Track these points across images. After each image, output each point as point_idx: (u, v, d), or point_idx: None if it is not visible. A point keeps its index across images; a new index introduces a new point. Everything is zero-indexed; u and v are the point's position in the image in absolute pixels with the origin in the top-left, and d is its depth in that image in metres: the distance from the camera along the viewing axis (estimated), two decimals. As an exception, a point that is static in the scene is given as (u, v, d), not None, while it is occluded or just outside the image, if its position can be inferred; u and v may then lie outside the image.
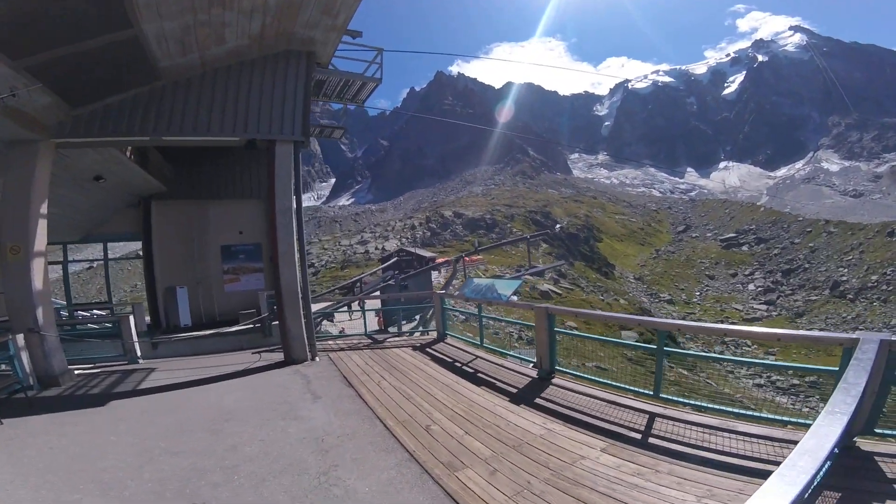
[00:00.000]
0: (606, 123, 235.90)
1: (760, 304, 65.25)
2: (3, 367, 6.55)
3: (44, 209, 7.26)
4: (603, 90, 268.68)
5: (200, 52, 7.06)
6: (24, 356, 6.58)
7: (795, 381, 34.29)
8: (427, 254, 58.18)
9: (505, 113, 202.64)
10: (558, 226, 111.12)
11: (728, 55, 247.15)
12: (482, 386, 5.60)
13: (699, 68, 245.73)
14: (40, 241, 7.12)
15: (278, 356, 8.03)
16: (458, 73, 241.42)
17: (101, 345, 9.07)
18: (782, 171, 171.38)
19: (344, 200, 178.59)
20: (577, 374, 5.47)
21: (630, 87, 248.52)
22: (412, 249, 63.63)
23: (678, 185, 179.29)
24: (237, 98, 7.86)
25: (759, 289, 70.23)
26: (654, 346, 4.47)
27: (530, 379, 5.66)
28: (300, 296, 8.00)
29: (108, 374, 7.65)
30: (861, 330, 49.07)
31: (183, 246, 13.07)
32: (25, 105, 6.29)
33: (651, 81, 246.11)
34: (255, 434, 4.53)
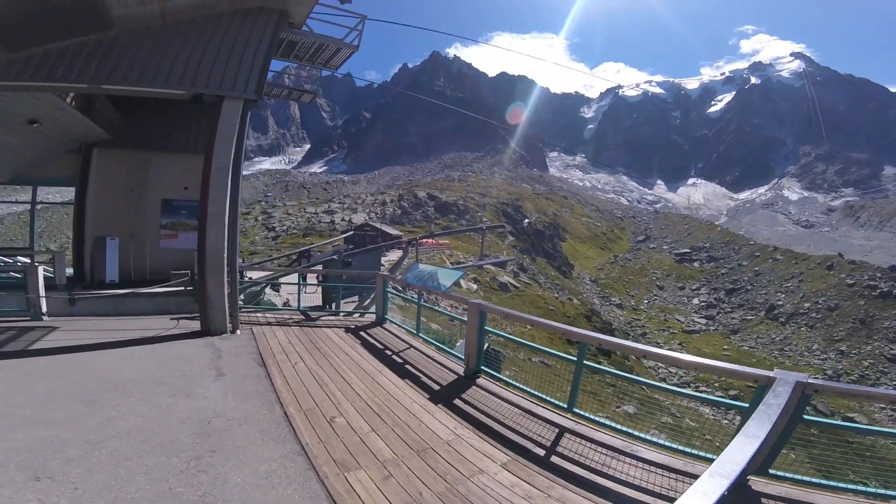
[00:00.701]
0: (590, 126, 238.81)
1: (701, 317, 69.38)
2: None
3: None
4: (594, 93, 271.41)
5: (161, 2, 6.45)
6: None
7: (720, 394, 36.62)
8: (394, 231, 57.65)
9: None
10: (527, 220, 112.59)
11: (723, 74, 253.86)
12: (406, 379, 5.40)
13: (691, 83, 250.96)
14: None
15: (198, 325, 7.49)
16: (455, 55, 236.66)
17: (4, 297, 8.24)
18: (745, 194, 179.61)
19: (316, 168, 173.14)
20: (500, 377, 5.35)
21: (620, 93, 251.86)
22: (378, 225, 62.82)
23: (646, 196, 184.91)
24: (192, 51, 7.30)
25: (703, 304, 74.53)
26: (574, 358, 4.35)
27: (456, 377, 5.51)
28: (226, 262, 7.48)
29: (3, 329, 6.90)
30: (785, 351, 53.15)
31: (121, 196, 12.20)
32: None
33: (642, 90, 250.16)
34: (135, 408, 4.16)
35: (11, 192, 12.85)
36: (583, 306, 63.61)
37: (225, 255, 7.49)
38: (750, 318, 64.30)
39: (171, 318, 8.33)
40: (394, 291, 8.97)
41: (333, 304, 10.03)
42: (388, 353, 6.60)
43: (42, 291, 7.94)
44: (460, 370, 5.68)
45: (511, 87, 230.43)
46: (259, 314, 9.22)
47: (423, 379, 5.46)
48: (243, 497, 2.91)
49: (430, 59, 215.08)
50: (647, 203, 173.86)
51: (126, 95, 9.74)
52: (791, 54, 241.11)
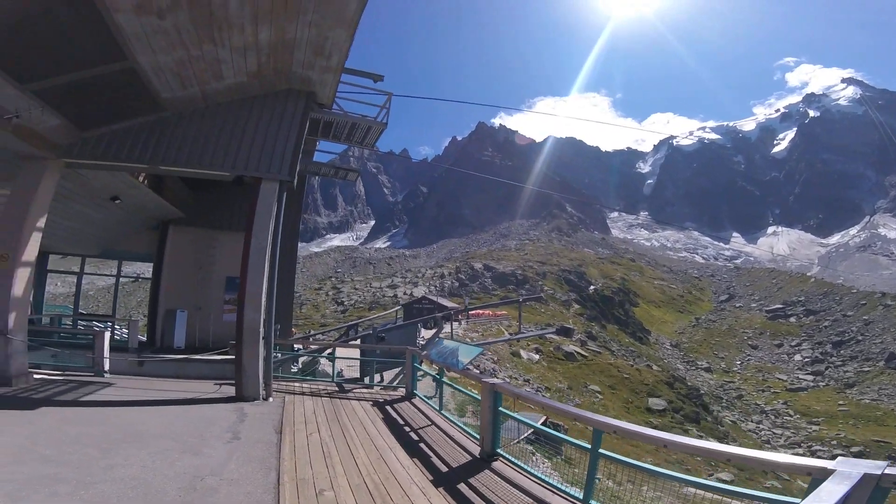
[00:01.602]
0: (649, 181, 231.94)
1: (807, 374, 61.64)
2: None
3: (41, 223, 7.59)
4: (647, 146, 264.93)
5: (200, 86, 7.46)
6: (-15, 358, 6.68)
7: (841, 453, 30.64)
8: (450, 304, 57.65)
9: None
10: (592, 287, 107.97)
11: (777, 111, 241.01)
12: (415, 458, 4.98)
13: (747, 124, 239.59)
14: (30, 252, 7.40)
15: (237, 390, 7.73)
16: (500, 124, 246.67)
17: (79, 355, 9.19)
18: (835, 238, 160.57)
19: (380, 243, 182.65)
20: (515, 461, 4.73)
21: (675, 143, 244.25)
22: (434, 298, 63.32)
23: (723, 252, 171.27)
24: (232, 133, 8.12)
25: (807, 359, 66.01)
26: (588, 446, 3.75)
27: (470, 459, 4.98)
28: (261, 336, 7.78)
29: (66, 382, 7.65)
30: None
31: (190, 272, 13.40)
32: (37, 125, 6.78)
33: (697, 138, 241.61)
34: (142, 459, 4.27)
35: (100, 266, 14.74)
36: (663, 373, 57.78)
37: (260, 329, 7.79)
38: (867, 369, 56.32)
39: (216, 383, 8.67)
40: (419, 367, 8.72)
41: (367, 378, 9.97)
42: (407, 429, 6.23)
43: (106, 353, 8.73)
44: (477, 450, 5.20)
45: (559, 150, 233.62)
46: (296, 384, 9.35)
47: (433, 459, 5.00)
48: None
49: (477, 130, 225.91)
50: (725, 259, 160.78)
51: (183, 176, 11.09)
52: (843, 80, 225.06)
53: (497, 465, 4.69)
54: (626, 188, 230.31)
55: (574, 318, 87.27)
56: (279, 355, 11.65)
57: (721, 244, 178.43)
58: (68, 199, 10.28)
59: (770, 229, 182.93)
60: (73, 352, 9.30)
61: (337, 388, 8.91)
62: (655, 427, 41.47)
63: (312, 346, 13.66)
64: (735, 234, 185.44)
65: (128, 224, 13.29)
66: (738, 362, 72.16)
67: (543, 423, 20.50)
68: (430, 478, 4.37)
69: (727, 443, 39.33)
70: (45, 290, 14.10)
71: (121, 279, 15.81)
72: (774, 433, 38.76)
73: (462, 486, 4.18)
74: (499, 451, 4.85)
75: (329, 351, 13.92)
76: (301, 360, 14.90)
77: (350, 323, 19.01)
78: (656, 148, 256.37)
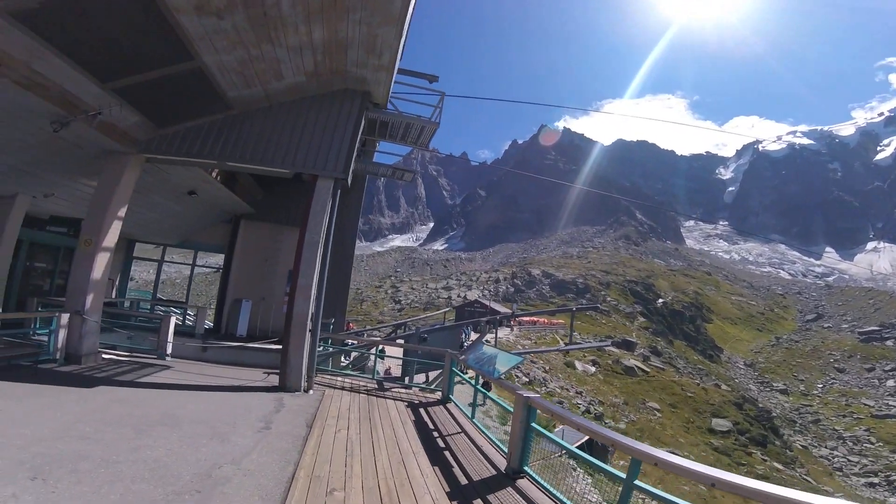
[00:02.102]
0: (730, 189, 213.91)
1: None
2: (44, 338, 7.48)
3: (122, 213, 8.32)
4: (728, 151, 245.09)
5: (263, 85, 7.82)
6: (62, 333, 7.42)
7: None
8: (503, 309, 56.78)
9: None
10: (661, 300, 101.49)
11: (881, 114, 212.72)
12: (437, 465, 4.74)
13: (845, 129, 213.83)
14: (111, 238, 8.13)
15: (283, 380, 7.95)
16: (564, 127, 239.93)
17: (148, 338, 10.01)
18: None
19: (438, 245, 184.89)
20: (541, 481, 4.28)
21: (761, 148, 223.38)
22: (487, 302, 62.74)
23: (813, 268, 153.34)
24: (292, 132, 8.46)
25: None
26: (623, 475, 3.27)
27: (494, 474, 4.64)
28: (308, 329, 7.95)
29: (130, 363, 8.29)
30: None
31: (257, 265, 14.18)
32: (119, 121, 7.46)
33: (786, 143, 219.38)
34: (170, 443, 4.41)
35: (186, 256, 16.08)
36: (733, 393, 53.36)
37: (308, 322, 7.99)
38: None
39: (264, 372, 9.04)
40: (456, 371, 8.44)
41: (407, 378, 9.91)
42: (436, 434, 5.99)
43: (170, 337, 9.40)
44: (504, 465, 4.85)
45: (629, 154, 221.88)
46: (338, 378, 9.49)
47: (455, 469, 4.72)
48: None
49: (539, 132, 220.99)
50: (814, 276, 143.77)
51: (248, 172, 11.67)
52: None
53: (522, 483, 4.33)
54: (705, 195, 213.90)
55: (638, 331, 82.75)
56: (330, 349, 11.99)
57: (812, 260, 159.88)
58: (150, 192, 11.26)
59: (870, 245, 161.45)
60: (143, 335, 10.10)
61: (376, 386, 8.90)
62: (716, 449, 38.35)
63: (357, 343, 13.85)
64: (829, 248, 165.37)
65: (204, 217, 14.34)
66: (820, 385, 65.32)
67: (589, 441, 19.43)
68: (447, 489, 4.11)
69: (794, 468, 35.21)
70: (129, 275, 15.57)
71: (204, 269, 17.16)
72: (849, 461, 34.39)
73: (478, 503, 3.87)
74: (526, 468, 4.47)
75: (375, 349, 14.10)
76: (353, 355, 15.23)
77: (399, 322, 19.17)
78: (739, 153, 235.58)
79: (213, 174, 10.90)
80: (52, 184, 8.87)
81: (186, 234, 15.25)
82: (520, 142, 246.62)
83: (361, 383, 9.17)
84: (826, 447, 46.00)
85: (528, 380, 38.44)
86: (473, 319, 34.44)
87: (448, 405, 7.69)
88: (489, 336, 43.84)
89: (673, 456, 2.71)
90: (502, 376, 5.72)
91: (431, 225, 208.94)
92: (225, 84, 7.48)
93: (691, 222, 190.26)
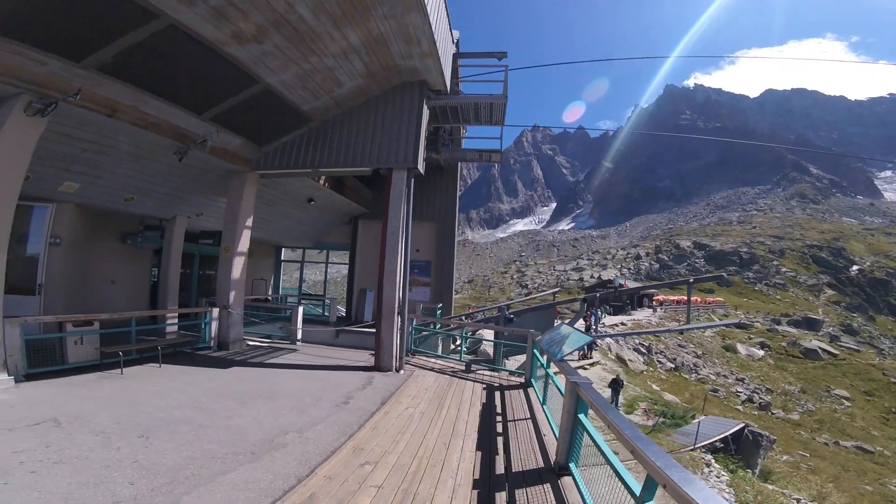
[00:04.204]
0: None
1: None
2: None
3: (249, 222, 10.03)
4: None
5: (328, 94, 8.60)
6: (214, 325, 9.31)
7: None
8: (638, 286, 51.72)
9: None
10: (856, 267, 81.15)
11: None
12: (481, 450, 4.63)
13: None
14: (243, 244, 9.86)
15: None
16: (695, 84, 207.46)
17: (284, 326, 11.87)
18: None
19: (564, 225, 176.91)
20: (580, 484, 3.66)
21: None
22: (622, 282, 57.80)
23: None
24: (365, 132, 9.16)
25: None
26: (638, 488, 2.59)
27: (539, 467, 4.28)
28: (396, 312, 8.52)
29: (265, 348, 9.96)
30: None
31: (375, 258, 15.76)
32: (226, 145, 9.00)
33: None
34: (259, 412, 5.30)
35: (314, 256, 18.67)
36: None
37: (396, 305, 8.60)
38: None
39: (370, 353, 9.97)
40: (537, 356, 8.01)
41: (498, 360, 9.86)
42: (499, 418, 5.84)
43: (299, 324, 10.99)
44: (554, 458, 4.37)
45: (785, 103, 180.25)
46: (433, 359, 9.95)
47: (499, 457, 4.51)
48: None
49: (666, 94, 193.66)
50: None
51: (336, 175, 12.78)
52: None
53: (566, 481, 3.93)
54: None
55: (825, 306, 68.03)
56: (431, 331, 12.59)
57: None
58: (277, 203, 13.31)
59: None
60: (282, 324, 12.01)
61: (463, 368, 9.08)
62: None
63: (451, 326, 14.26)
64: None
65: (327, 220, 16.45)
66: None
67: (740, 431, 16.66)
68: (476, 477, 3.98)
69: None
70: (280, 275, 18.72)
71: (339, 265, 19.80)
72: None
73: (497, 498, 3.65)
74: (572, 465, 3.97)
75: (473, 331, 14.34)
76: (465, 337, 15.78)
77: (502, 303, 19.02)
78: None
79: (322, 181, 12.35)
80: (199, 204, 11.09)
81: (317, 237, 17.63)
82: (646, 106, 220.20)
83: (451, 365, 9.46)
84: None
85: (673, 366, 34.70)
86: (568, 300, 31.96)
87: (528, 389, 7.45)
88: (622, 317, 40.61)
89: (696, 482, 2.03)
90: (564, 356, 5.28)
91: (554, 205, 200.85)
92: (296, 99, 8.44)
93: (888, 172, 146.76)
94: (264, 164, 9.77)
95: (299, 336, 11.07)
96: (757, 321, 57.16)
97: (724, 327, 41.91)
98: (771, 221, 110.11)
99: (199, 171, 9.42)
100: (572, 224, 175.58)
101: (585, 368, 21.99)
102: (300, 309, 11.40)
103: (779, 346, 47.76)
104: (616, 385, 16.76)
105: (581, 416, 3.90)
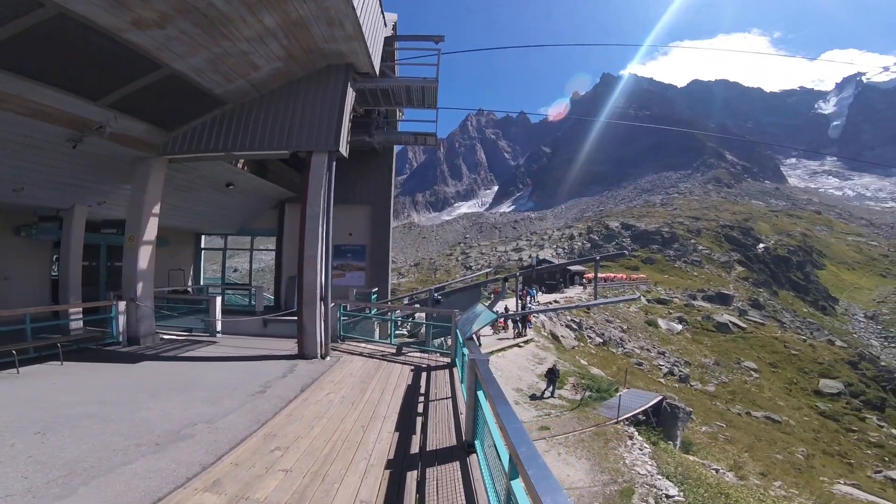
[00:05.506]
0: (835, 123, 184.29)
1: None
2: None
3: (156, 209, 9.34)
4: (826, 86, 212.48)
5: (244, 77, 8.16)
6: (121, 319, 8.69)
7: None
8: (575, 267, 54.71)
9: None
10: (762, 245, 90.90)
11: None
12: (399, 431, 4.77)
13: None
14: (150, 233, 9.19)
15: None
16: (629, 73, 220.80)
17: (205, 319, 11.27)
18: None
19: (505, 207, 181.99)
20: (482, 461, 3.77)
21: (865, 80, 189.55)
22: (556, 261, 60.82)
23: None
24: (284, 115, 8.80)
25: None
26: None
27: (451, 445, 4.42)
28: (318, 298, 8.41)
29: (182, 342, 9.48)
30: None
31: None
32: (128, 131, 8.32)
33: None
34: (169, 406, 5.17)
35: (239, 242, 17.79)
36: (847, 350, 47.05)
37: (318, 291, 8.46)
38: None
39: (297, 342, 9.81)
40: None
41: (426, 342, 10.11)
42: (421, 399, 6.01)
43: (218, 316, 10.52)
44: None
45: (709, 93, 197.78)
46: (363, 344, 9.98)
47: (416, 437, 4.64)
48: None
49: (602, 82, 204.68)
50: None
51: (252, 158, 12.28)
52: None
53: (473, 459, 4.10)
54: (805, 132, 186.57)
55: (736, 282, 75.30)
56: (370, 315, 12.55)
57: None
58: (194, 189, 12.46)
59: None
60: (201, 316, 11.36)
61: (394, 351, 9.23)
62: (822, 413, 34.20)
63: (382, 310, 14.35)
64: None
65: (251, 205, 15.59)
66: None
67: (659, 403, 18.32)
68: (391, 457, 4.13)
69: None
70: (201, 264, 17.56)
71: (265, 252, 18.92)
72: None
73: (408, 477, 3.78)
74: (477, 443, 4.07)
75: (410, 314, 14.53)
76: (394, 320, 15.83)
77: (435, 286, 19.42)
78: (840, 86, 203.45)
79: (241, 165, 11.69)
80: (103, 192, 10.18)
81: (242, 223, 16.70)
82: (582, 94, 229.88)
83: (382, 349, 9.56)
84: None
85: (601, 340, 36.98)
86: (490, 279, 33.19)
87: (454, 369, 7.74)
88: (555, 295, 42.74)
89: (538, 459, 2.07)
90: (471, 334, 5.57)
91: (496, 188, 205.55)
92: (207, 83, 7.96)
93: (793, 160, 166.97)
94: (173, 149, 9.14)
95: (219, 328, 10.59)
96: (676, 296, 62.45)
97: (623, 302, 45.03)
98: (690, 203, 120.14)
99: (100, 159, 8.68)
100: (513, 206, 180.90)
101: (520, 346, 23.05)
102: (218, 300, 10.87)
103: (695, 321, 52.39)
104: (553, 375, 17.26)
105: (480, 394, 3.96)
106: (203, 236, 17.48)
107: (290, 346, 9.21)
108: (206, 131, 8.99)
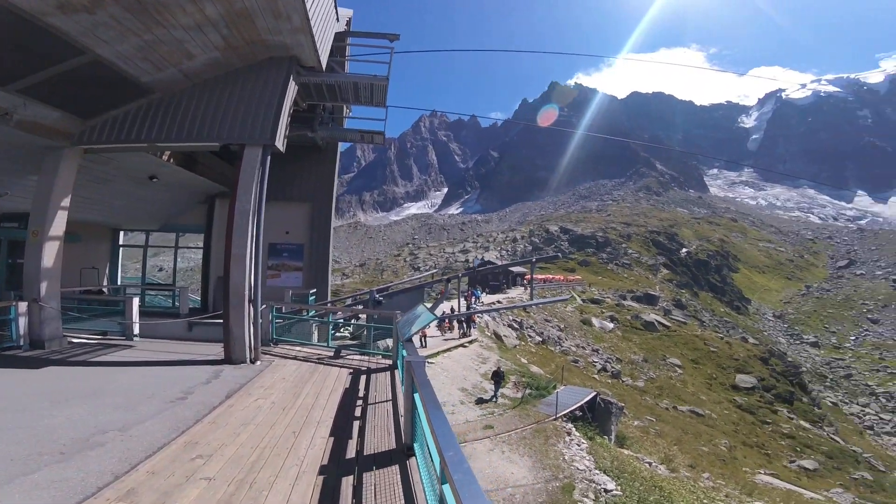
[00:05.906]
0: (754, 137, 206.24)
1: None
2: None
3: (65, 202, 8.46)
4: (751, 101, 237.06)
5: (175, 66, 7.66)
6: (23, 321, 7.79)
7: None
8: (517, 268, 56.53)
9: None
10: (684, 250, 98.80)
11: None
12: (334, 436, 4.67)
13: (873, 76, 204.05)
14: (57, 228, 8.31)
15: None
16: (575, 83, 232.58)
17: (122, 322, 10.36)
18: None
19: (453, 209, 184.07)
20: (420, 463, 3.84)
21: (784, 96, 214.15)
22: (498, 262, 62.48)
23: (844, 211, 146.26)
24: (217, 106, 8.31)
25: None
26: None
27: (390, 449, 4.40)
28: (247, 299, 8.04)
29: (94, 345, 8.66)
30: None
31: None
32: (40, 119, 7.52)
33: (811, 91, 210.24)
34: (76, 413, 4.74)
35: (163, 240, 16.52)
36: (760, 347, 52.32)
37: (246, 292, 8.02)
38: None
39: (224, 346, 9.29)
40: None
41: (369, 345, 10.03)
42: (360, 403, 5.94)
43: (135, 318, 9.72)
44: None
45: (646, 106, 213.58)
46: (298, 348, 9.67)
47: (352, 441, 4.55)
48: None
49: (549, 90, 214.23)
50: (846, 220, 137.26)
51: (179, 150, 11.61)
52: None
53: (413, 462, 4.09)
54: (727, 144, 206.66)
55: (661, 284, 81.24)
56: (307, 317, 12.15)
57: (843, 203, 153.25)
58: (111, 181, 11.45)
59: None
60: (117, 318, 10.42)
61: (331, 355, 9.04)
62: (740, 406, 37.96)
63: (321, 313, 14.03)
64: (860, 192, 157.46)
65: (177, 200, 14.52)
66: (853, 338, 63.28)
67: (593, 399, 19.37)
68: (324, 463, 4.04)
69: (822, 426, 34.70)
70: (118, 263, 16.11)
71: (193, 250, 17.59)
72: (881, 419, 33.48)
73: (344, 482, 3.74)
74: (416, 446, 4.08)
75: (351, 316, 14.32)
76: (349, 325, 15.39)
77: (378, 287, 19.22)
78: (762, 101, 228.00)
79: (166, 157, 10.90)
80: (6, 184, 9.11)
81: (166, 218, 15.55)
82: (530, 100, 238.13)
83: (318, 352, 9.31)
84: (858, 404, 44.86)
85: (541, 339, 38.42)
86: (432, 281, 33.92)
87: (395, 371, 7.72)
88: (499, 296, 43.89)
89: (463, 463, 2.15)
90: (410, 336, 5.65)
91: (445, 190, 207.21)
92: (134, 71, 7.40)
93: (715, 171, 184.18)
94: (90, 139, 8.36)
95: (136, 331, 9.80)
96: (608, 297, 66.39)
97: (557, 302, 47.56)
98: (622, 210, 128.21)
99: (4, 147, 7.84)
100: (461, 209, 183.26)
101: (465, 346, 23.43)
102: (135, 300, 10.05)
103: (625, 320, 55.88)
104: (497, 377, 17.39)
105: (416, 396, 3.95)
106: (122, 232, 16.08)
107: (217, 350, 8.69)
108: (129, 121, 8.31)
